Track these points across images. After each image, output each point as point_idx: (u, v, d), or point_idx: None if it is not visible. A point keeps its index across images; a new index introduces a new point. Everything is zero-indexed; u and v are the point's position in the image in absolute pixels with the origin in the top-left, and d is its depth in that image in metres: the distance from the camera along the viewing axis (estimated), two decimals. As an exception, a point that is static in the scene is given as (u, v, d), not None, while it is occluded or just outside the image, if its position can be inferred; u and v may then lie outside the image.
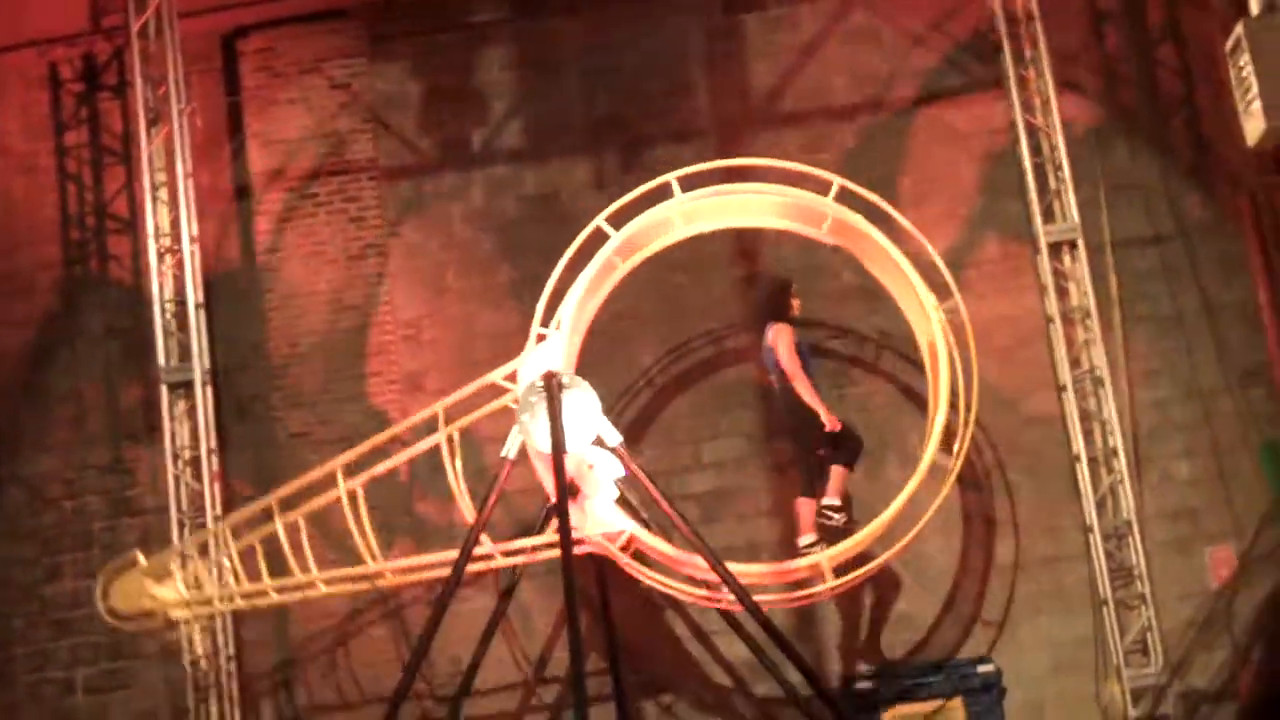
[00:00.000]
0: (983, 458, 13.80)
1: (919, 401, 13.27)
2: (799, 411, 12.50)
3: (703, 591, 12.07)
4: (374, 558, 11.96)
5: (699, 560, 11.82)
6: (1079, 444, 13.26)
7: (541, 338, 12.13)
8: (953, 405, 12.05)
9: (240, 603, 12.37)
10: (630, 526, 11.91)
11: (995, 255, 14.16)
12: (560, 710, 13.31)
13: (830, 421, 12.37)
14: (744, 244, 14.18)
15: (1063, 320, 13.47)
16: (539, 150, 14.58)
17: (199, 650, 13.21)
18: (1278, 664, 13.15)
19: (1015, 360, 13.92)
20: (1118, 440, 13.28)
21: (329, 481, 12.03)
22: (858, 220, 12.51)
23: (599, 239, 12.41)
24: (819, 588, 12.16)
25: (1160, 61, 14.46)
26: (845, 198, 12.50)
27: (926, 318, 12.33)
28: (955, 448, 12.09)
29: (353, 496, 11.98)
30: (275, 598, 12.24)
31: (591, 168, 14.48)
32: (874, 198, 12.48)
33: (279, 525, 12.02)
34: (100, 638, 13.82)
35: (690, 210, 12.63)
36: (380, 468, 12.18)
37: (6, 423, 14.33)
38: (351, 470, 12.08)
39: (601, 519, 11.84)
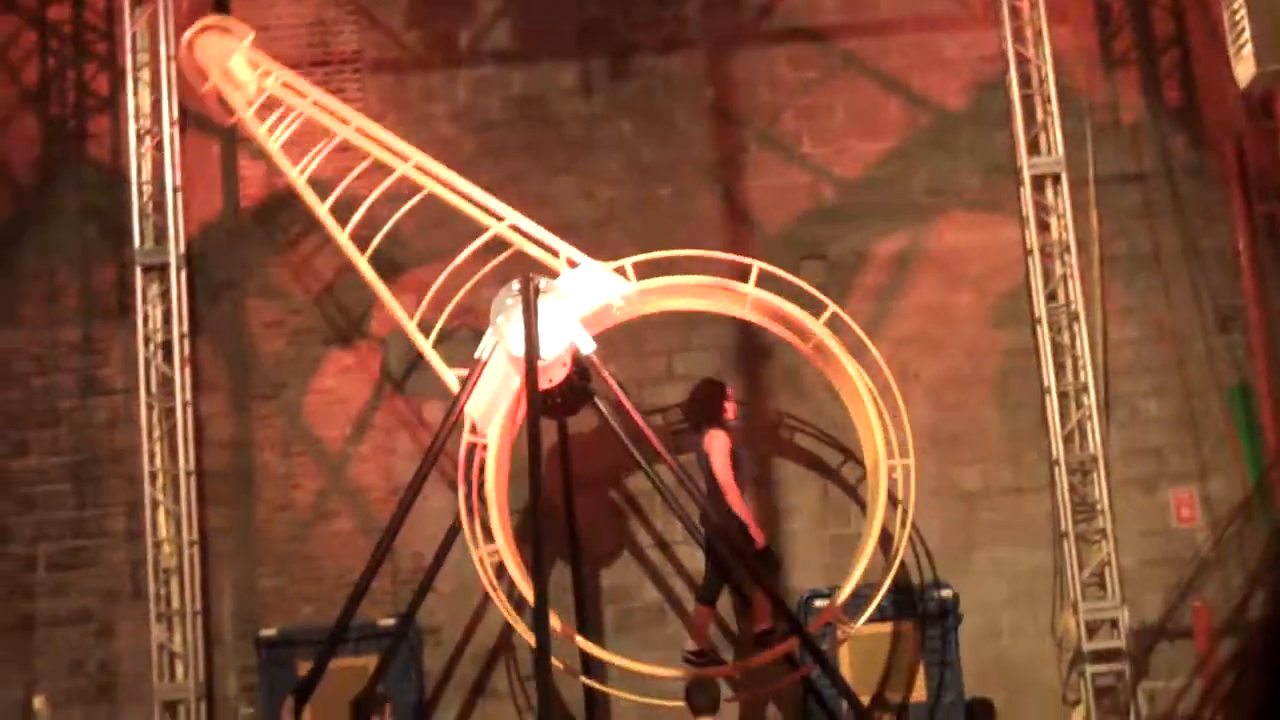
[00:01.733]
0: (954, 382, 13.87)
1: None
2: (717, 522, 12.10)
3: None
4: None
5: None
6: (1050, 377, 13.33)
7: (620, 271, 12.00)
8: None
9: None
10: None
11: (977, 185, 14.17)
12: (520, 610, 13.37)
13: (757, 536, 12.07)
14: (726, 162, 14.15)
15: (1041, 254, 13.50)
16: (526, 52, 14.48)
17: (163, 533, 13.21)
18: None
19: (990, 290, 13.96)
20: (1089, 376, 13.35)
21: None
22: (842, 355, 12.30)
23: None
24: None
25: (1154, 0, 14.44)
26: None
27: (874, 445, 12.15)
28: (893, 548, 12.10)
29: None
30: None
31: (579, 72, 14.40)
32: (861, 335, 12.36)
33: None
34: (65, 514, 13.83)
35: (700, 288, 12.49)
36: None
37: (-24, 297, 14.25)
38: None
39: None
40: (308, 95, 12.87)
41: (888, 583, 12.09)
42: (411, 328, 12.27)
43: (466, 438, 11.75)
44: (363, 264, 12.44)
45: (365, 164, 12.60)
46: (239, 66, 12.86)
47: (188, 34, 12.94)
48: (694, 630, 12.65)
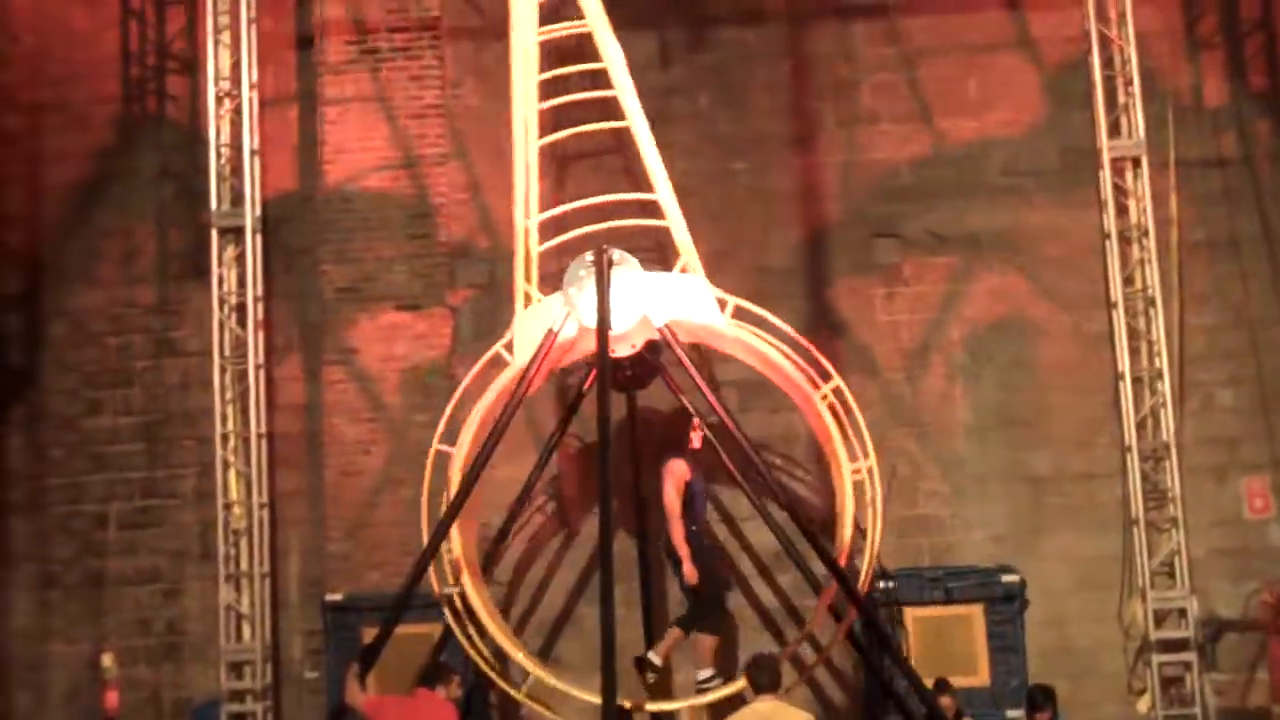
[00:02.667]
0: (1026, 366, 13.78)
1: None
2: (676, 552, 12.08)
3: None
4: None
5: None
6: (1124, 362, 13.21)
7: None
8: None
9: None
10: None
11: (1056, 166, 14.05)
12: (585, 584, 13.40)
13: (689, 573, 11.92)
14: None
15: (1119, 237, 13.36)
16: (610, 20, 14.40)
17: (234, 495, 13.30)
18: None
19: (1066, 273, 13.86)
20: (1164, 362, 13.23)
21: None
22: (831, 425, 12.02)
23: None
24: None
25: (1241, -17, 14.27)
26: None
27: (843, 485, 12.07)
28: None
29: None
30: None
31: (657, 44, 14.32)
32: (858, 413, 12.15)
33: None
34: (136, 474, 13.95)
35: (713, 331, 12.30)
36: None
37: (55, 256, 14.35)
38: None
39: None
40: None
41: (865, 575, 11.95)
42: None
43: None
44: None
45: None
46: None
47: None
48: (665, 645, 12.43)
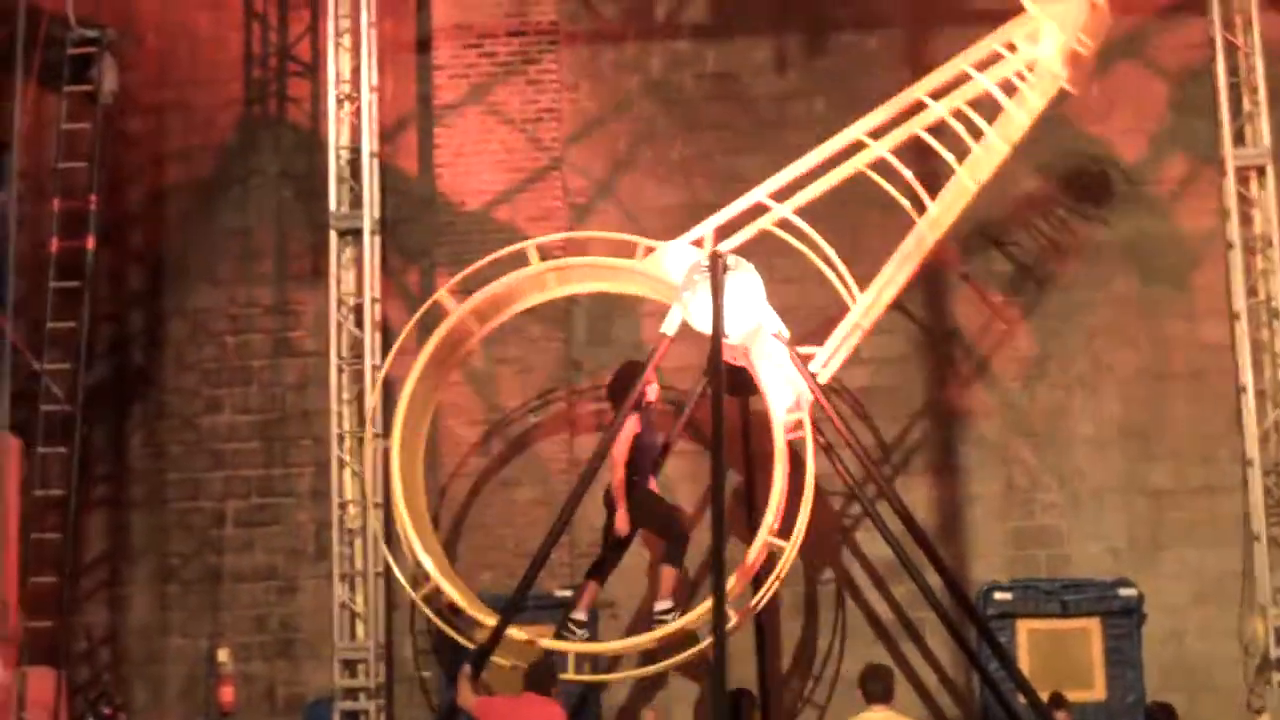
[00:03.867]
0: (1147, 376, 13.62)
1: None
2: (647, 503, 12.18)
3: None
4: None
5: None
6: (1247, 375, 12.99)
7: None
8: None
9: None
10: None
11: (1179, 174, 13.92)
12: (698, 586, 13.36)
13: (619, 521, 11.95)
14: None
15: (1243, 247, 13.15)
16: (721, 27, 14.42)
17: (348, 494, 13.39)
18: None
19: (1188, 283, 13.70)
20: (1287, 375, 13.02)
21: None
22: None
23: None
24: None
25: (1371, -13, 14.00)
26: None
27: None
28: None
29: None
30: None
31: (773, 49, 14.30)
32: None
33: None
34: (253, 472, 14.11)
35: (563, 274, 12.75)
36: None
37: (176, 255, 14.56)
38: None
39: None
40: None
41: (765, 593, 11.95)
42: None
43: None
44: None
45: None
46: None
47: None
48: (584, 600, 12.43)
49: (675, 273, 12.05)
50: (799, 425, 11.93)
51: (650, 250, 12.34)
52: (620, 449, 12.04)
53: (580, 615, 12.23)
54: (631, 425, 12.11)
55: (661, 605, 12.12)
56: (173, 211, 14.64)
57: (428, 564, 12.24)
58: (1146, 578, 13.00)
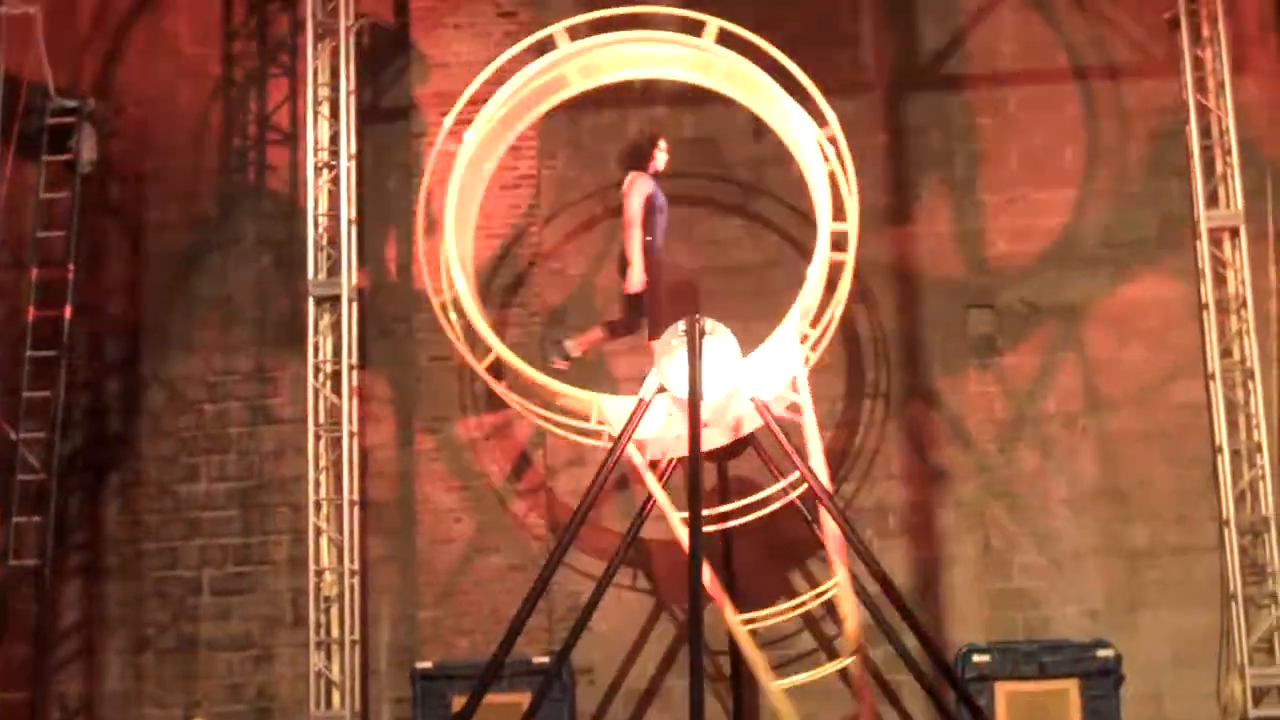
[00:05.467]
0: (1124, 438, 13.64)
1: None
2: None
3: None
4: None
5: None
6: (1222, 435, 13.03)
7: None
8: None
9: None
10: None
11: (1153, 235, 13.95)
12: (674, 653, 13.34)
13: (634, 277, 12.26)
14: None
15: (1217, 308, 13.21)
16: (699, 94, 14.45)
17: (325, 562, 13.38)
18: None
19: (1164, 344, 13.73)
20: (1263, 435, 13.03)
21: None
22: (739, 63, 12.69)
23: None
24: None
25: (1342, 51, 14.14)
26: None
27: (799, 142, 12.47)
28: None
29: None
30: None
31: (751, 116, 14.35)
32: (755, 39, 12.70)
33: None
34: (230, 540, 14.10)
35: (587, 64, 12.98)
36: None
37: (155, 324, 14.57)
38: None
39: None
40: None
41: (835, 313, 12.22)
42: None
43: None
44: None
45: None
46: None
47: None
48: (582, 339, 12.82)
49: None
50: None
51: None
52: (635, 207, 12.31)
53: (572, 347, 12.67)
54: (646, 184, 12.42)
55: (568, 343, 12.69)
56: (151, 280, 14.66)
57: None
58: (1124, 638, 12.96)
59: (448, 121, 13.00)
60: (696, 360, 11.53)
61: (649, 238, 12.36)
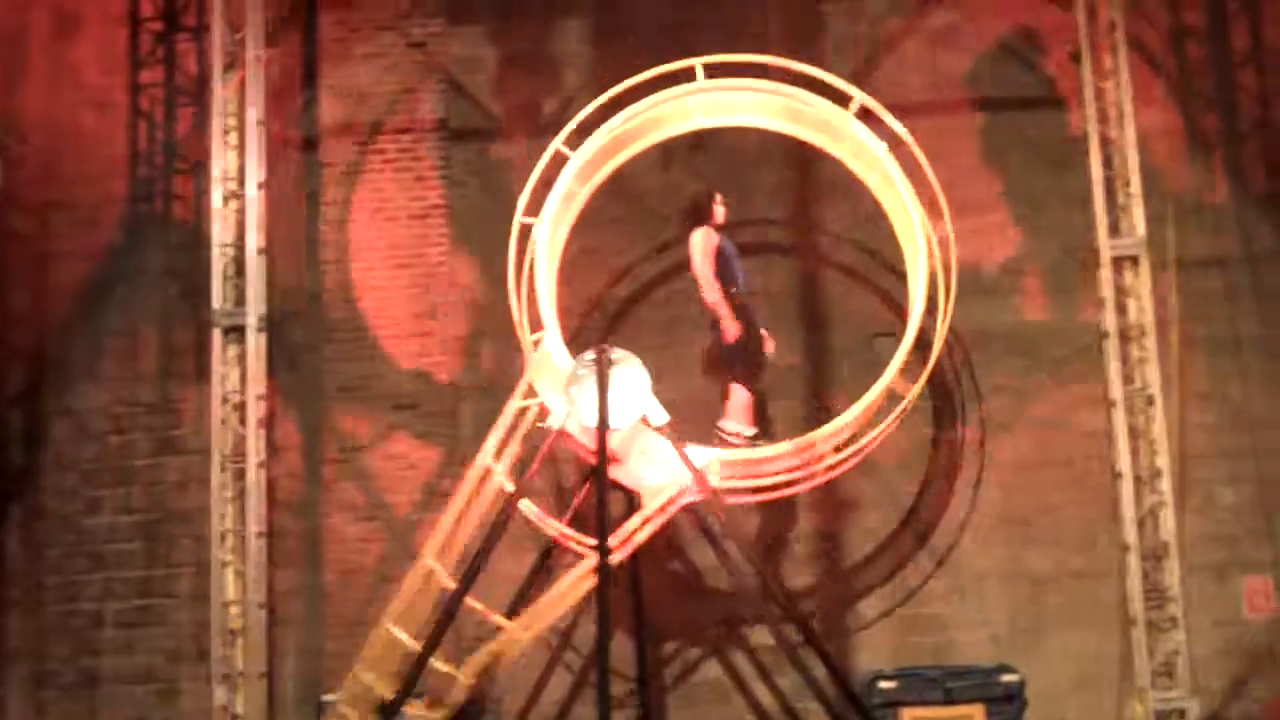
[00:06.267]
0: (1026, 465, 13.75)
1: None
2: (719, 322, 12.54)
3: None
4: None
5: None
6: (1124, 461, 13.16)
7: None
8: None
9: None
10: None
11: (1056, 265, 14.09)
12: (581, 687, 13.32)
13: (729, 329, 12.36)
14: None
15: (1119, 336, 13.36)
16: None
17: (230, 594, 13.29)
18: None
19: (1067, 372, 13.85)
20: (1164, 461, 13.18)
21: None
22: (877, 146, 12.63)
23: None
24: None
25: (1241, 84, 14.34)
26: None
27: (917, 249, 12.37)
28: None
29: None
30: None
31: (660, 147, 14.41)
32: (894, 124, 12.67)
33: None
34: (133, 573, 13.96)
35: (711, 103, 12.88)
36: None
37: (58, 354, 14.45)
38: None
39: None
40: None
41: (923, 377, 12.35)
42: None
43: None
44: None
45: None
46: None
47: None
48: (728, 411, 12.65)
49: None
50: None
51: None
52: (706, 263, 12.42)
53: (739, 426, 12.48)
54: (710, 238, 12.54)
55: (731, 424, 12.46)
56: (56, 310, 14.54)
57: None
58: (1028, 662, 13.06)
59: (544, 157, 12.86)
60: (605, 389, 11.56)
61: (733, 288, 12.46)
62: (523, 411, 11.99)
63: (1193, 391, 13.71)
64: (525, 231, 12.57)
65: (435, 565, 11.92)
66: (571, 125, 12.80)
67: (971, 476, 13.79)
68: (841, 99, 12.74)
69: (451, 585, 11.83)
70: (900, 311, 13.19)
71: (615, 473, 11.81)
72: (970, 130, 14.38)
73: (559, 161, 12.76)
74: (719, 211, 12.80)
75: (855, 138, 12.74)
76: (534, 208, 12.66)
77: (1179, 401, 13.61)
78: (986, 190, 14.28)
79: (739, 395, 12.60)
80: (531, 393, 12.11)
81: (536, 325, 12.42)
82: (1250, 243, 14.01)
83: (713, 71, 12.82)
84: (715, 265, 12.49)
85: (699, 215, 12.77)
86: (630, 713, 12.91)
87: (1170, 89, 14.33)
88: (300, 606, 13.84)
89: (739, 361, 12.54)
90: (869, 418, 12.31)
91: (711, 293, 12.42)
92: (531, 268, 12.46)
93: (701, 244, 12.57)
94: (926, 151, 14.15)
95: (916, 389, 12.28)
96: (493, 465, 11.92)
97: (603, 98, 12.79)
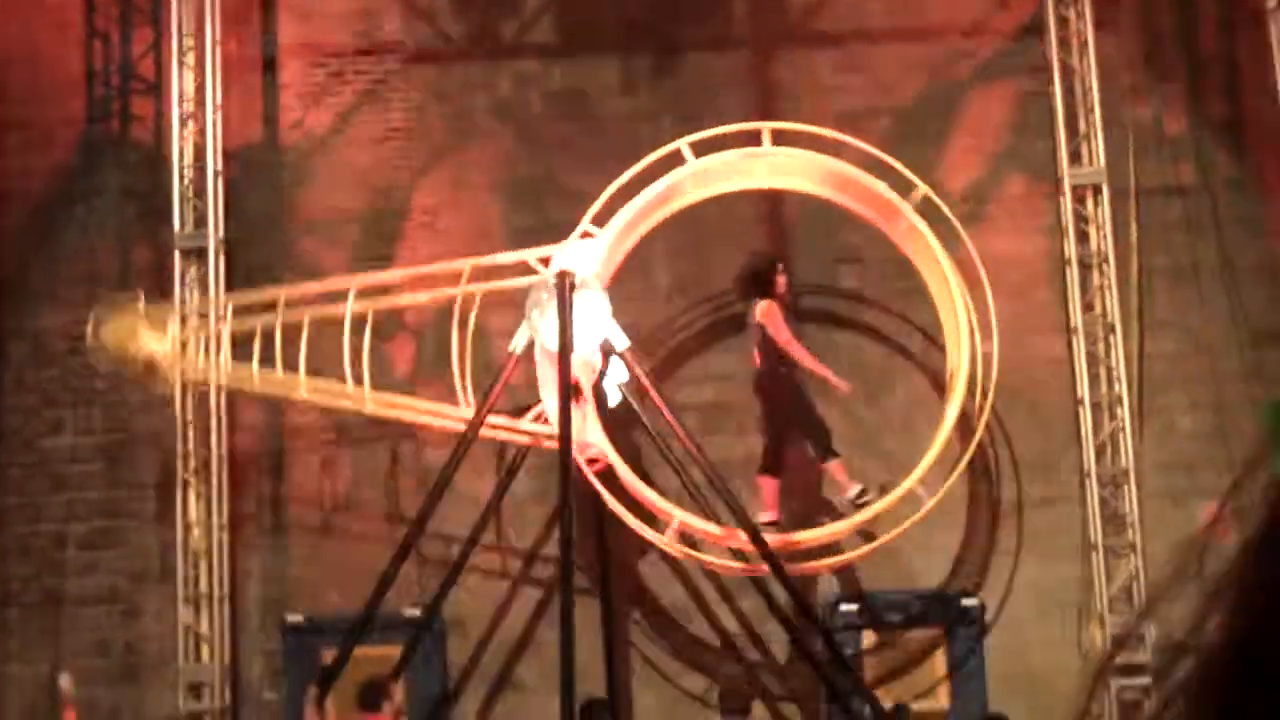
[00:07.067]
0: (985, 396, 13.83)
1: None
2: (772, 391, 12.49)
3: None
4: (359, 384, 12.04)
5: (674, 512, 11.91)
6: (1084, 388, 13.28)
7: (588, 235, 12.12)
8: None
9: (220, 379, 12.59)
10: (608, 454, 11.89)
11: (1018, 193, 14.14)
12: (545, 606, 13.38)
13: (840, 385, 12.39)
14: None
15: (1079, 264, 13.45)
16: (569, 47, 14.48)
17: (193, 516, 13.26)
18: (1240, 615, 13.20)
19: (1027, 300, 13.91)
20: (1123, 388, 13.31)
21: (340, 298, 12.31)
22: (926, 231, 12.49)
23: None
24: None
25: (1202, 13, 14.37)
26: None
27: (958, 328, 12.34)
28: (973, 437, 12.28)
29: (359, 320, 12.07)
30: (256, 386, 12.42)
31: (620, 70, 14.39)
32: (955, 222, 12.63)
33: (279, 317, 12.24)
34: (95, 494, 13.90)
35: (777, 165, 12.67)
36: (397, 300, 12.60)
37: (15, 274, 14.31)
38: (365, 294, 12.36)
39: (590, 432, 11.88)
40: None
41: (964, 461, 12.41)
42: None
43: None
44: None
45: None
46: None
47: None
48: (764, 502, 12.64)
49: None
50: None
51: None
52: (784, 330, 12.33)
53: (856, 494, 12.45)
54: (778, 313, 12.39)
55: (854, 490, 12.42)
56: (11, 230, 14.40)
57: None
58: (989, 589, 13.21)
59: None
60: (567, 313, 11.55)
61: (783, 369, 12.39)
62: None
63: (1152, 320, 13.81)
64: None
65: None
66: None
67: (934, 404, 13.85)
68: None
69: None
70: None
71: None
72: (930, 57, 14.36)
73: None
74: (781, 282, 12.62)
75: (913, 224, 12.58)
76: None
77: (1138, 330, 13.71)
78: (947, 117, 14.27)
79: (768, 484, 12.59)
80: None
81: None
82: (1208, 172, 14.07)
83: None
84: (789, 332, 12.42)
85: (762, 286, 12.54)
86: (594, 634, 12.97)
87: (1131, 18, 14.34)
88: (264, 528, 13.81)
89: (814, 436, 12.55)
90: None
91: (808, 360, 12.35)
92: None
93: (777, 317, 12.39)
94: (883, 78, 14.24)
95: (940, 493, 12.33)
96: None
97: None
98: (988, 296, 12.39)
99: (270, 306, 12.41)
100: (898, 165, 12.53)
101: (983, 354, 12.29)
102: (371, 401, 12.28)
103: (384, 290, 12.83)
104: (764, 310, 12.42)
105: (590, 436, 11.87)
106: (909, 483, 12.04)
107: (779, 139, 12.67)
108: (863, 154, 12.71)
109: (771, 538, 11.98)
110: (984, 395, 12.30)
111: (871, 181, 12.54)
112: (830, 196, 12.88)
